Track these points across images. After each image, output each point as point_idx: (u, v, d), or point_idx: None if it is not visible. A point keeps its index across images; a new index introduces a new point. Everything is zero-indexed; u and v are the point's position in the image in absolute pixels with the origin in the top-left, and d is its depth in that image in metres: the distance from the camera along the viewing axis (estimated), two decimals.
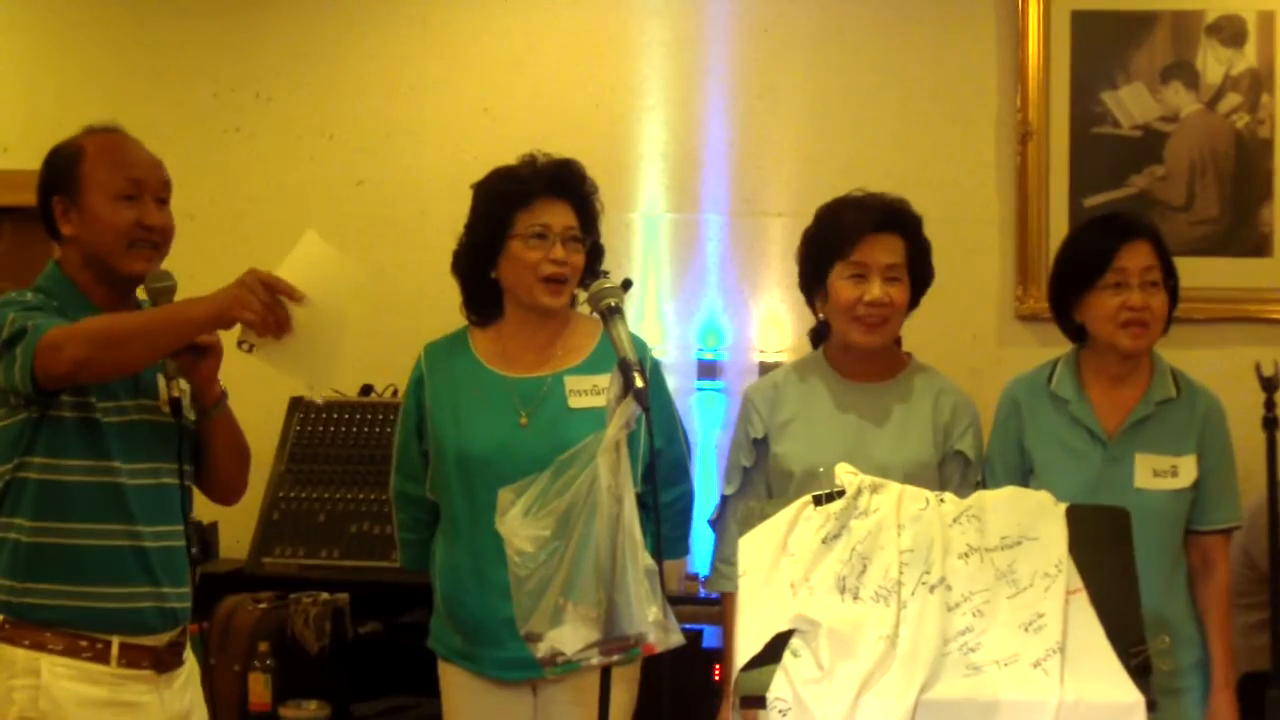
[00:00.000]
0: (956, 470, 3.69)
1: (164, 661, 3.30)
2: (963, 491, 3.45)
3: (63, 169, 3.30)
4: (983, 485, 3.69)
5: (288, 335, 3.12)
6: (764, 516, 3.25)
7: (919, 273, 3.73)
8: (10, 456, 3.20)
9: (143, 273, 3.30)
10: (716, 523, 3.80)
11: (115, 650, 3.21)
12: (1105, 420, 3.67)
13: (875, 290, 3.62)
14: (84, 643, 3.19)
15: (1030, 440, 3.76)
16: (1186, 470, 3.60)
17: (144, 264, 3.29)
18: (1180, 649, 3.54)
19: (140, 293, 3.36)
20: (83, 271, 3.30)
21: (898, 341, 4.75)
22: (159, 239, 3.31)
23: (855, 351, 3.72)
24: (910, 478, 3.32)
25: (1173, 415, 3.65)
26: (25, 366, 3.05)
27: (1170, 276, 3.64)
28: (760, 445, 3.74)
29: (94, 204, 3.26)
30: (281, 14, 5.60)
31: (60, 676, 3.16)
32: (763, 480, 3.73)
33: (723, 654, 3.70)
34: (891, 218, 3.68)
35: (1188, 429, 3.64)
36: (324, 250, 3.21)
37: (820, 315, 3.79)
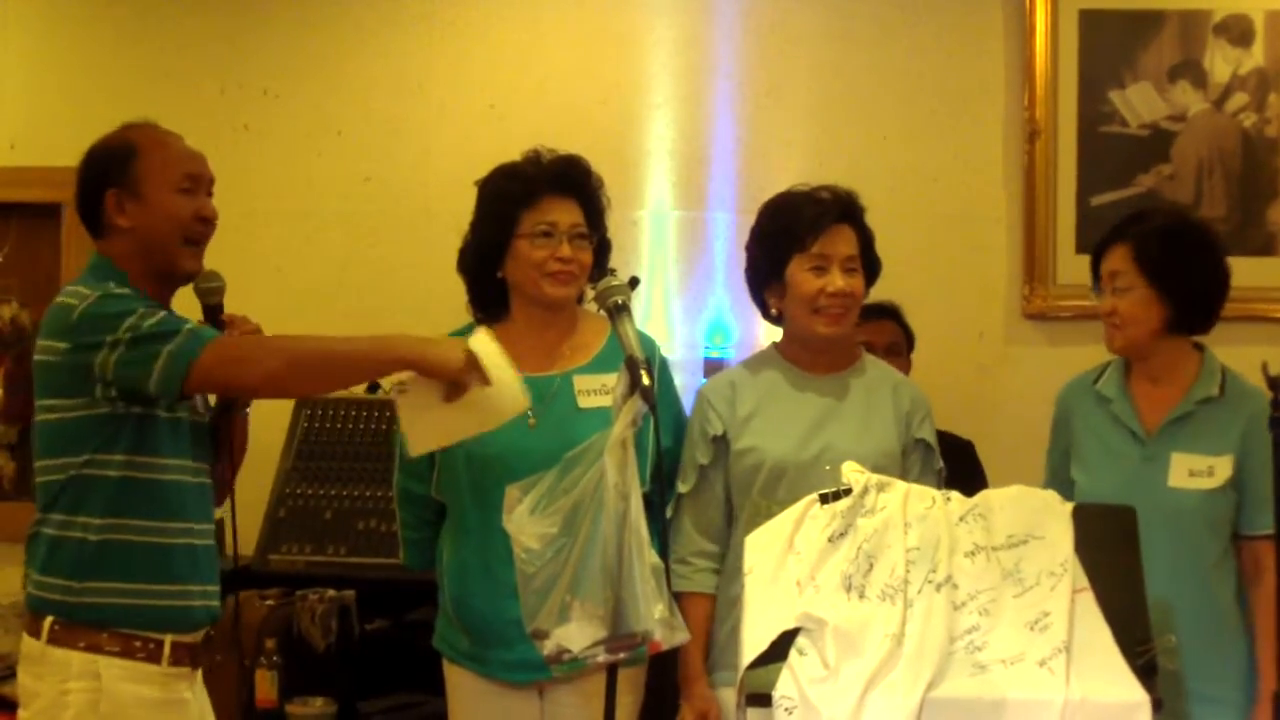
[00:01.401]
0: (919, 458, 3.71)
1: (199, 658, 3.34)
2: (925, 479, 3.54)
3: (116, 163, 3.31)
4: (945, 474, 3.73)
5: (448, 403, 3.25)
6: (770, 515, 3.26)
7: (868, 263, 3.74)
8: (79, 450, 3.19)
9: (195, 270, 3.35)
10: (672, 521, 3.75)
11: (167, 649, 3.23)
12: (1146, 419, 3.67)
13: (839, 281, 3.64)
14: (138, 643, 3.20)
15: (1075, 440, 3.78)
16: (1221, 470, 3.59)
17: (197, 260, 3.35)
18: (1219, 655, 3.55)
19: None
20: (132, 264, 3.31)
21: (910, 339, 4.79)
22: (209, 228, 3.36)
23: (813, 344, 3.73)
24: (879, 468, 3.33)
25: (1213, 415, 3.63)
26: (174, 371, 3.08)
27: (1161, 276, 3.60)
28: (719, 443, 3.72)
29: (155, 196, 3.29)
30: (290, 11, 5.62)
31: (119, 678, 3.18)
32: (720, 478, 3.72)
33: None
34: (847, 209, 3.70)
35: (1228, 429, 3.62)
36: (499, 357, 3.29)
37: (774, 310, 3.80)
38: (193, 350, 3.09)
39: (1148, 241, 3.64)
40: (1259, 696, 3.53)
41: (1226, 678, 3.54)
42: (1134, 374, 3.72)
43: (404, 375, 3.25)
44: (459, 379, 3.20)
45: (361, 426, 5.02)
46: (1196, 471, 3.57)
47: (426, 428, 3.33)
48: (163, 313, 3.19)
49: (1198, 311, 3.66)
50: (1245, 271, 4.99)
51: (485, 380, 3.22)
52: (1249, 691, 3.55)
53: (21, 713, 3.26)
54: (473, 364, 3.20)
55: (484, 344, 3.27)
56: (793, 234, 3.68)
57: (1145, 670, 2.93)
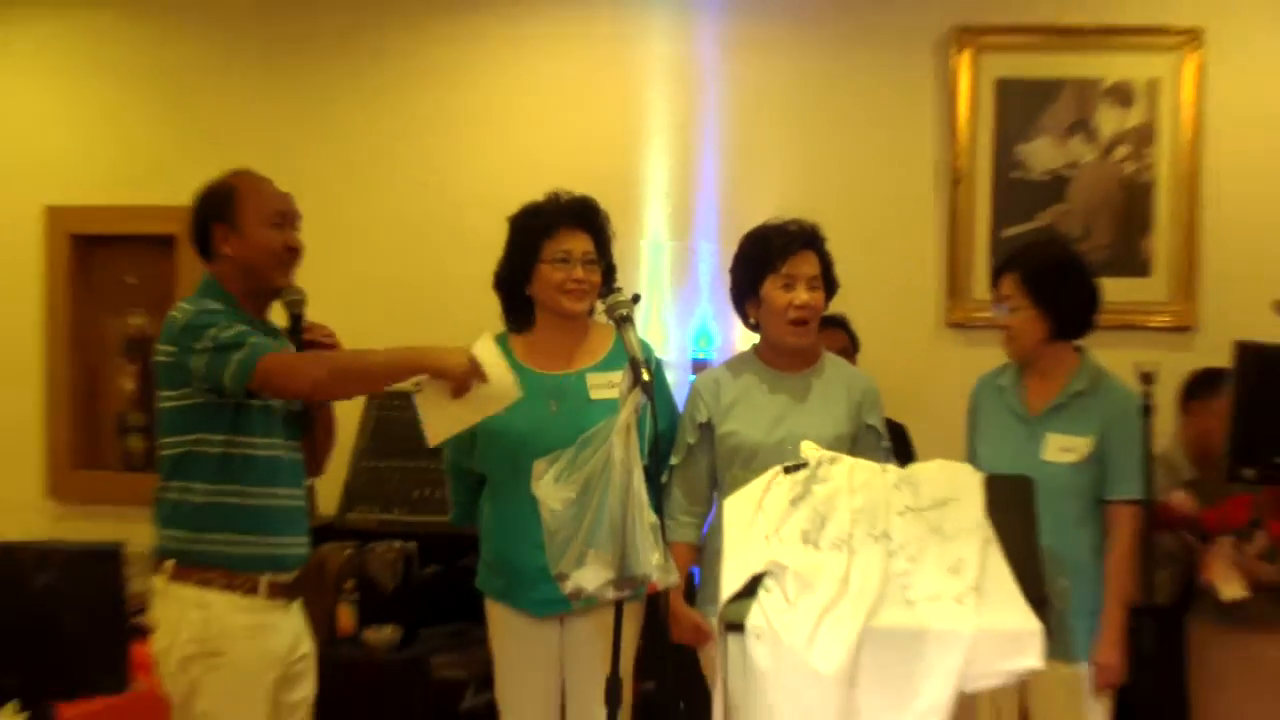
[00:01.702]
0: (871, 441, 3.68)
1: (293, 593, 3.39)
2: (877, 456, 3.52)
3: (220, 203, 3.35)
4: (893, 452, 3.72)
5: (456, 399, 3.27)
6: (745, 482, 3.31)
7: (828, 281, 3.75)
8: (189, 431, 3.23)
9: (285, 286, 3.38)
10: (665, 487, 3.73)
11: (263, 586, 3.27)
12: (1032, 406, 3.68)
13: (803, 295, 3.64)
14: (240, 580, 3.25)
15: (980, 423, 3.81)
16: (1082, 448, 3.60)
17: (286, 279, 3.37)
18: (1076, 594, 3.55)
19: (280, 306, 3.45)
20: (235, 284, 3.34)
21: (856, 344, 4.83)
22: (297, 256, 3.39)
23: (782, 349, 3.74)
24: (831, 448, 3.37)
25: (1083, 405, 3.64)
26: (240, 375, 3.14)
27: (1043, 299, 3.65)
28: (704, 428, 3.72)
29: (252, 230, 3.31)
30: (349, 62, 5.57)
31: (224, 608, 3.23)
32: (704, 455, 3.73)
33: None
34: (810, 238, 3.71)
35: (1092, 416, 3.62)
36: (498, 357, 3.31)
37: (752, 320, 3.80)
38: (253, 361, 3.13)
39: (1031, 271, 3.67)
40: (1103, 628, 3.57)
41: (1080, 612, 3.55)
42: (1026, 371, 3.73)
43: (419, 378, 3.27)
44: (463, 380, 3.23)
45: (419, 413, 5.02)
46: (1066, 449, 3.59)
47: (440, 420, 3.34)
48: (239, 327, 3.21)
49: (1073, 325, 3.69)
50: (1123, 289, 5.01)
51: (484, 378, 3.24)
52: (1095, 624, 3.58)
53: (152, 635, 3.33)
54: (475, 366, 3.22)
55: (485, 348, 3.28)
56: (766, 258, 3.68)
57: (1038, 605, 2.98)
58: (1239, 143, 5.17)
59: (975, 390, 3.87)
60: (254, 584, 3.28)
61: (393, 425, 5.11)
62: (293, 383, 3.22)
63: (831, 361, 3.85)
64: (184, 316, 3.26)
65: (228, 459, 3.26)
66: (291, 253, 3.37)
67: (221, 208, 3.35)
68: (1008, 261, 3.79)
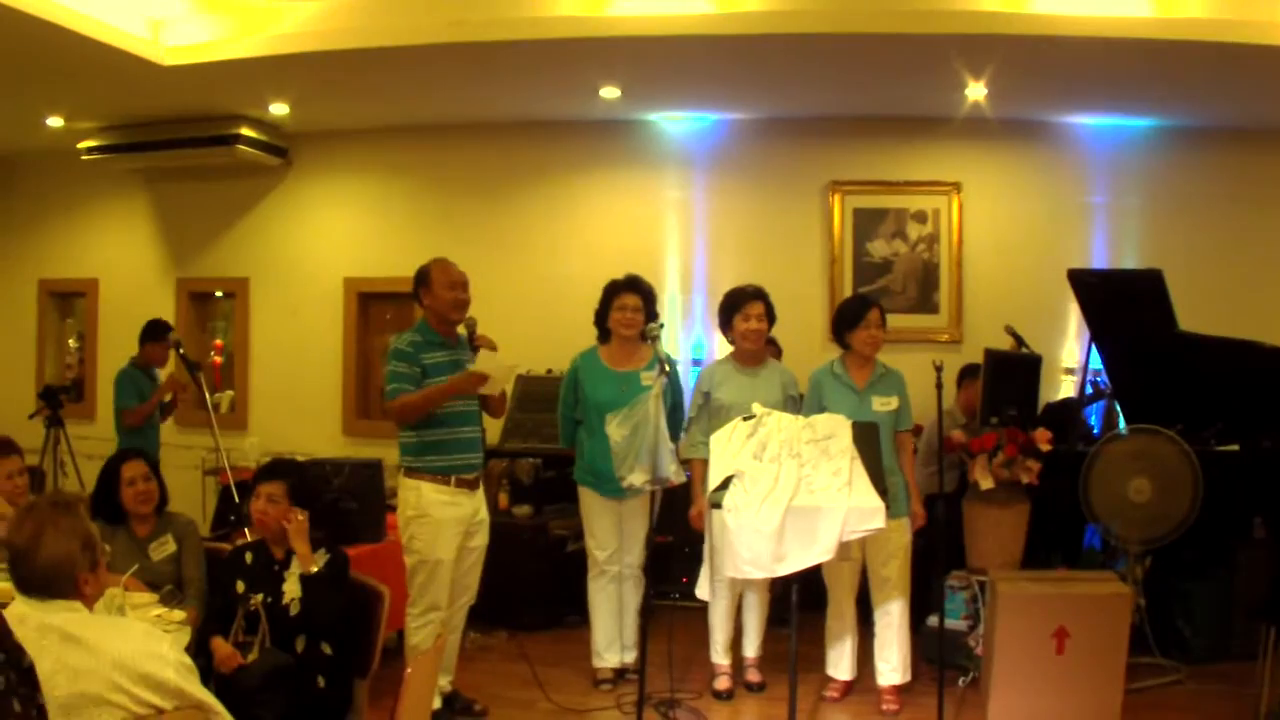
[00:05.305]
0: (794, 405, 3.54)
1: (472, 485, 3.29)
2: (794, 411, 3.39)
3: (422, 275, 3.30)
4: (802, 411, 3.58)
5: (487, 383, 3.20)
6: (722, 425, 3.23)
7: (770, 317, 3.64)
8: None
9: (460, 320, 3.29)
10: (687, 426, 3.63)
11: (453, 482, 3.21)
12: (857, 382, 3.52)
13: (753, 324, 3.56)
14: (440, 479, 3.20)
15: (824, 395, 3.60)
16: (891, 404, 3.45)
17: (461, 315, 3.29)
18: (895, 484, 3.42)
19: (461, 328, 3.32)
20: (433, 319, 3.29)
21: (779, 350, 4.66)
22: (466, 305, 3.30)
23: (744, 354, 3.63)
24: (773, 407, 3.27)
25: (885, 381, 3.49)
26: (385, 399, 3.20)
27: (884, 325, 3.51)
28: (706, 396, 3.60)
29: (438, 291, 3.26)
30: (512, 200, 5.44)
31: (428, 490, 3.19)
32: (704, 414, 3.56)
33: (691, 485, 3.56)
34: (759, 294, 3.62)
35: (892, 386, 3.48)
36: (491, 359, 3.21)
37: (729, 338, 3.68)
38: (387, 397, 3.18)
39: (881, 309, 3.52)
40: (911, 501, 3.45)
41: (897, 494, 3.37)
42: (850, 363, 3.52)
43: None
44: (473, 384, 3.18)
45: (547, 389, 4.87)
46: (882, 404, 3.43)
47: (493, 388, 3.27)
48: (401, 369, 3.16)
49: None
50: (924, 320, 5.03)
51: (484, 378, 3.18)
52: (906, 498, 3.44)
53: (397, 508, 3.30)
54: (477, 376, 3.15)
55: (482, 359, 3.19)
56: (736, 304, 3.62)
57: (881, 494, 2.94)
58: (980, 243, 5.13)
59: (816, 375, 3.59)
60: (447, 479, 3.20)
61: (534, 395, 5.04)
62: (391, 414, 3.19)
63: (773, 362, 3.75)
64: (393, 344, 3.22)
65: (430, 415, 3.17)
66: (460, 306, 3.28)
67: (423, 279, 3.28)
68: (870, 300, 3.58)
